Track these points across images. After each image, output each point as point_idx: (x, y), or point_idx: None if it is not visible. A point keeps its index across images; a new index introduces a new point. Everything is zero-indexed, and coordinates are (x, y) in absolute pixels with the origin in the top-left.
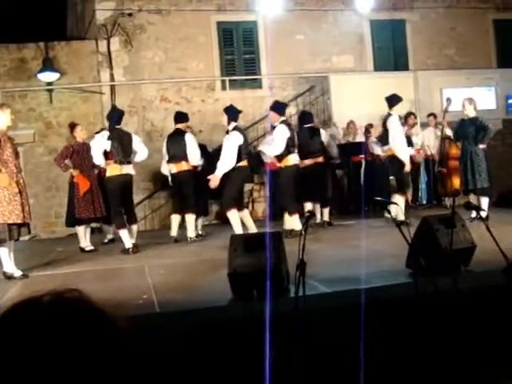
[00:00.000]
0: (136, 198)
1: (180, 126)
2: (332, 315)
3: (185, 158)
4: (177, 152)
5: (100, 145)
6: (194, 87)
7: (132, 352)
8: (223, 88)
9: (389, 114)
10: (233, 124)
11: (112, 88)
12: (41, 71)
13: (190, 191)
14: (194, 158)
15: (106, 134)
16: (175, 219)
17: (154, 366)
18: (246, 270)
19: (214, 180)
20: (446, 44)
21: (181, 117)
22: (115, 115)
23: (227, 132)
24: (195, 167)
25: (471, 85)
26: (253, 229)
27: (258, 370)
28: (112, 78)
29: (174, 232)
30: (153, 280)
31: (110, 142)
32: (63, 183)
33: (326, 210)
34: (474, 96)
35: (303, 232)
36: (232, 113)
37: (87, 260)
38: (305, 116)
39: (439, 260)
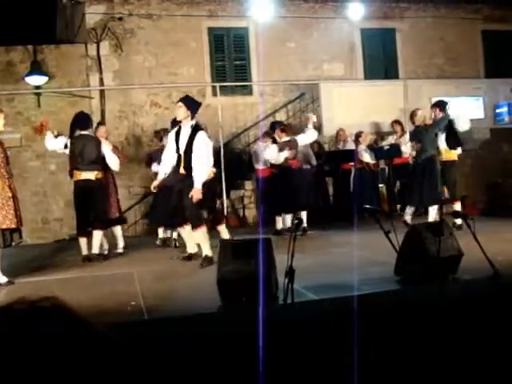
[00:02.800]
0: (127, 204)
1: None
2: (320, 322)
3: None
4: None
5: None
6: (184, 92)
7: (114, 359)
8: (214, 94)
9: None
10: (194, 120)
11: (101, 92)
12: (29, 74)
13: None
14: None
15: (61, 139)
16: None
17: (141, 373)
18: (235, 277)
19: (197, 194)
20: (436, 53)
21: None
22: (78, 121)
23: (194, 130)
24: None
25: (460, 94)
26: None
27: (247, 377)
28: (101, 83)
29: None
30: (141, 286)
31: (68, 149)
32: (51, 188)
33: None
34: (463, 105)
35: (292, 239)
36: (194, 106)
37: (75, 267)
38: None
39: (427, 267)
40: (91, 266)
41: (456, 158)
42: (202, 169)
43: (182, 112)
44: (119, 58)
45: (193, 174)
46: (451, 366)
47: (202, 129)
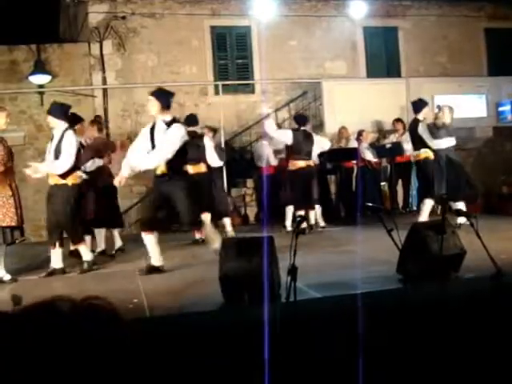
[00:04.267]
0: (129, 202)
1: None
2: (322, 320)
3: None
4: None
5: None
6: (186, 91)
7: (144, 356)
8: (216, 93)
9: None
10: (169, 115)
11: (104, 91)
12: (32, 73)
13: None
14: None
15: None
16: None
17: (144, 370)
18: (237, 274)
19: (122, 180)
20: (438, 52)
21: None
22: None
23: (169, 125)
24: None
25: (462, 92)
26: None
27: (250, 376)
28: (104, 82)
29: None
30: (143, 284)
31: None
32: None
33: (313, 213)
34: (465, 103)
35: (295, 237)
36: (167, 98)
37: (77, 264)
38: (300, 118)
39: (429, 266)
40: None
41: (427, 157)
42: (157, 157)
43: (153, 106)
44: (122, 56)
45: (149, 154)
46: (454, 365)
47: (179, 122)
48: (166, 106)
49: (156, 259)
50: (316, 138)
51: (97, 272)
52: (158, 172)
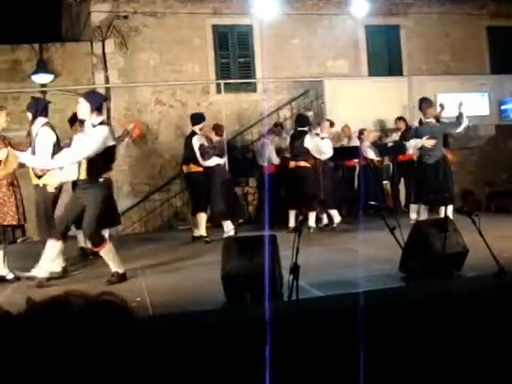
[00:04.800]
0: (131, 201)
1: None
2: (325, 319)
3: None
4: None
5: None
6: (188, 90)
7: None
8: (218, 91)
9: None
10: (100, 118)
11: (107, 90)
12: (35, 73)
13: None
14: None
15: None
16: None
17: (147, 369)
18: (239, 273)
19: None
20: (441, 50)
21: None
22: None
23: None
24: None
25: (465, 90)
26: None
27: (251, 374)
28: (107, 81)
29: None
30: (146, 283)
31: None
32: None
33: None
34: (468, 102)
35: (297, 236)
36: (98, 101)
37: (79, 263)
38: (298, 119)
39: (432, 264)
40: (95, 261)
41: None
42: (68, 156)
43: (82, 109)
44: (124, 55)
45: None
46: (456, 364)
47: (104, 124)
48: (96, 108)
49: (44, 270)
50: (317, 142)
51: (99, 270)
52: (79, 177)
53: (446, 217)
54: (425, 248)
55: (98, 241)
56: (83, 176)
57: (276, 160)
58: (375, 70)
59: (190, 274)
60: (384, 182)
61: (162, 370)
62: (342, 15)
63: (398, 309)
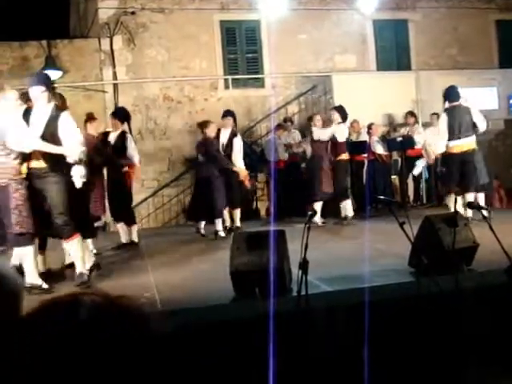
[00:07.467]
0: (140, 196)
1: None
2: (334, 314)
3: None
4: None
5: None
6: (196, 86)
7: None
8: (226, 87)
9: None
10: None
11: (115, 86)
12: (43, 69)
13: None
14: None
15: None
16: None
17: (155, 365)
18: (248, 269)
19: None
20: (449, 44)
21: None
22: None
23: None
24: None
25: (473, 85)
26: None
27: (260, 369)
28: (115, 77)
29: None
30: (155, 278)
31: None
32: None
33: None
34: (476, 96)
35: (306, 231)
36: (48, 82)
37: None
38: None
39: (441, 259)
40: (103, 258)
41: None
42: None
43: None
44: (132, 52)
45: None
46: (465, 357)
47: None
48: (50, 90)
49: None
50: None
51: (108, 267)
52: (34, 165)
53: (456, 211)
54: (434, 243)
55: (68, 232)
56: (38, 164)
57: (284, 155)
58: (383, 64)
59: (199, 269)
60: (392, 176)
61: (173, 366)
62: (350, 10)
63: (408, 304)
